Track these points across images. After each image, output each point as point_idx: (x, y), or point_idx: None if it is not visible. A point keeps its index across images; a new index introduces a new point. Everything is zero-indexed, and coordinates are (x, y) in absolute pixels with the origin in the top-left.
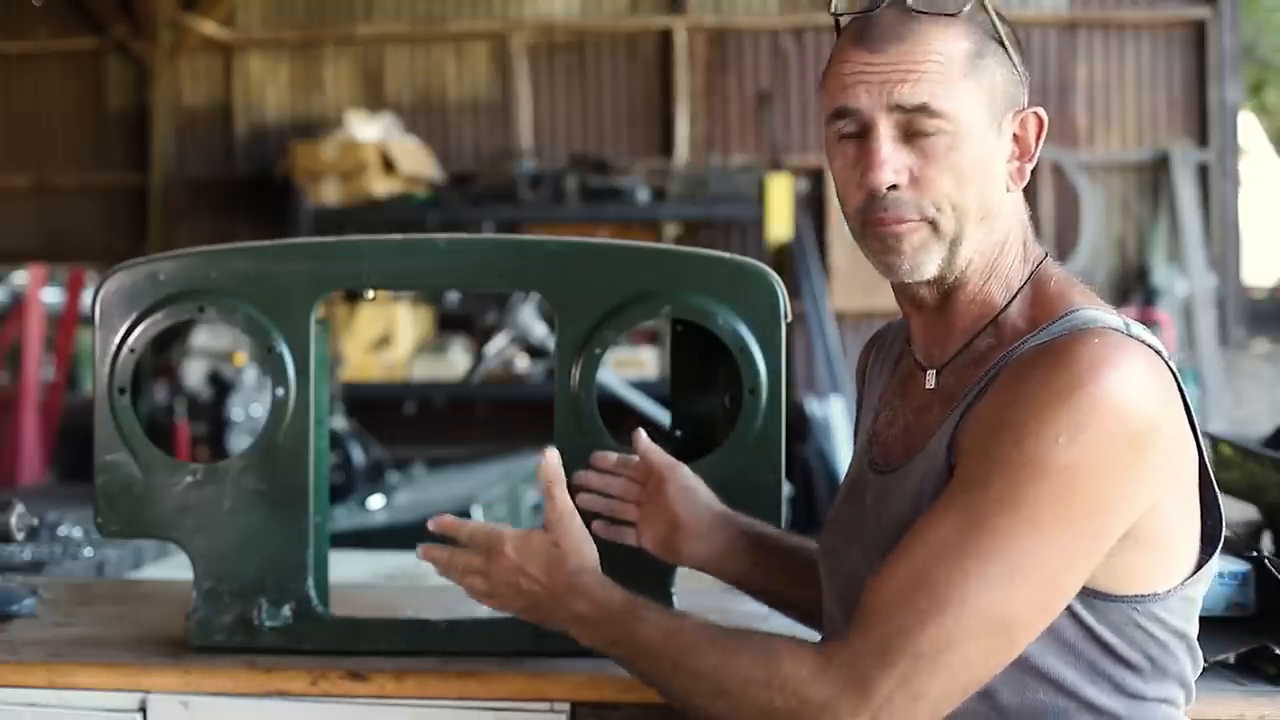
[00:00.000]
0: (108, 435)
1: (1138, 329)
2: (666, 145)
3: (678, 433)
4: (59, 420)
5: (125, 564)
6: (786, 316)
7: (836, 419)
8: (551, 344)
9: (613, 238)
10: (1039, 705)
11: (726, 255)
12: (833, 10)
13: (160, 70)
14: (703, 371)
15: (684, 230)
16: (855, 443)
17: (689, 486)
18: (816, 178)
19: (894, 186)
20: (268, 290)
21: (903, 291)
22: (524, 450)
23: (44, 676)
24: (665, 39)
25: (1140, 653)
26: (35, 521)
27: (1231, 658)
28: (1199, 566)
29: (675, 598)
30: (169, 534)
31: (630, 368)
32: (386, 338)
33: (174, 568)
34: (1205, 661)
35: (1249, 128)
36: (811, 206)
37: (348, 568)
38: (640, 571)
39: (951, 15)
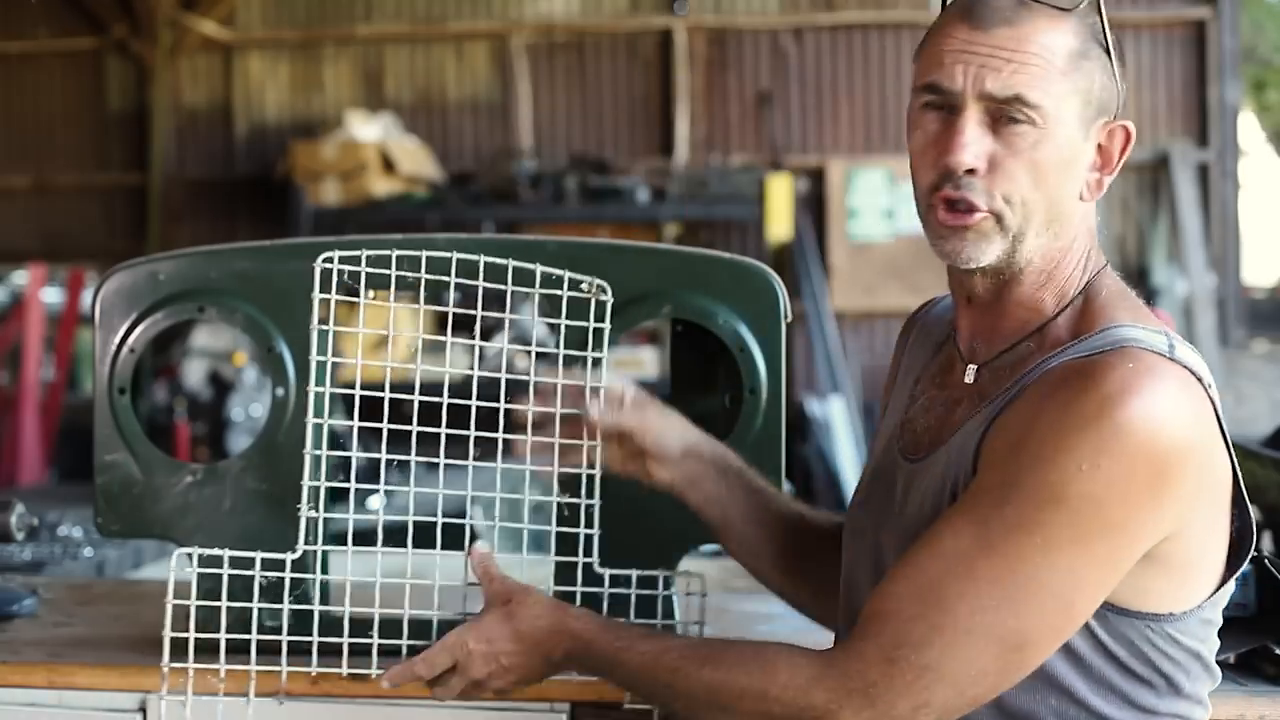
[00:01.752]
0: (108, 435)
1: (1182, 351)
2: (666, 145)
3: None
4: (59, 420)
5: (125, 564)
6: (786, 316)
7: (836, 419)
8: (551, 344)
9: (613, 238)
10: (1047, 710)
11: (726, 255)
12: None
13: (160, 70)
14: (703, 371)
15: (684, 230)
16: (884, 420)
17: (658, 422)
18: (816, 178)
19: (971, 171)
20: (268, 290)
21: (957, 280)
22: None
23: (44, 676)
24: (665, 39)
25: (1153, 670)
26: (35, 521)
27: (1231, 658)
28: (1221, 584)
29: (675, 595)
30: (169, 534)
31: (630, 368)
32: (386, 338)
33: None
34: None
35: (1249, 128)
36: (811, 206)
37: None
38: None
39: (1065, 10)
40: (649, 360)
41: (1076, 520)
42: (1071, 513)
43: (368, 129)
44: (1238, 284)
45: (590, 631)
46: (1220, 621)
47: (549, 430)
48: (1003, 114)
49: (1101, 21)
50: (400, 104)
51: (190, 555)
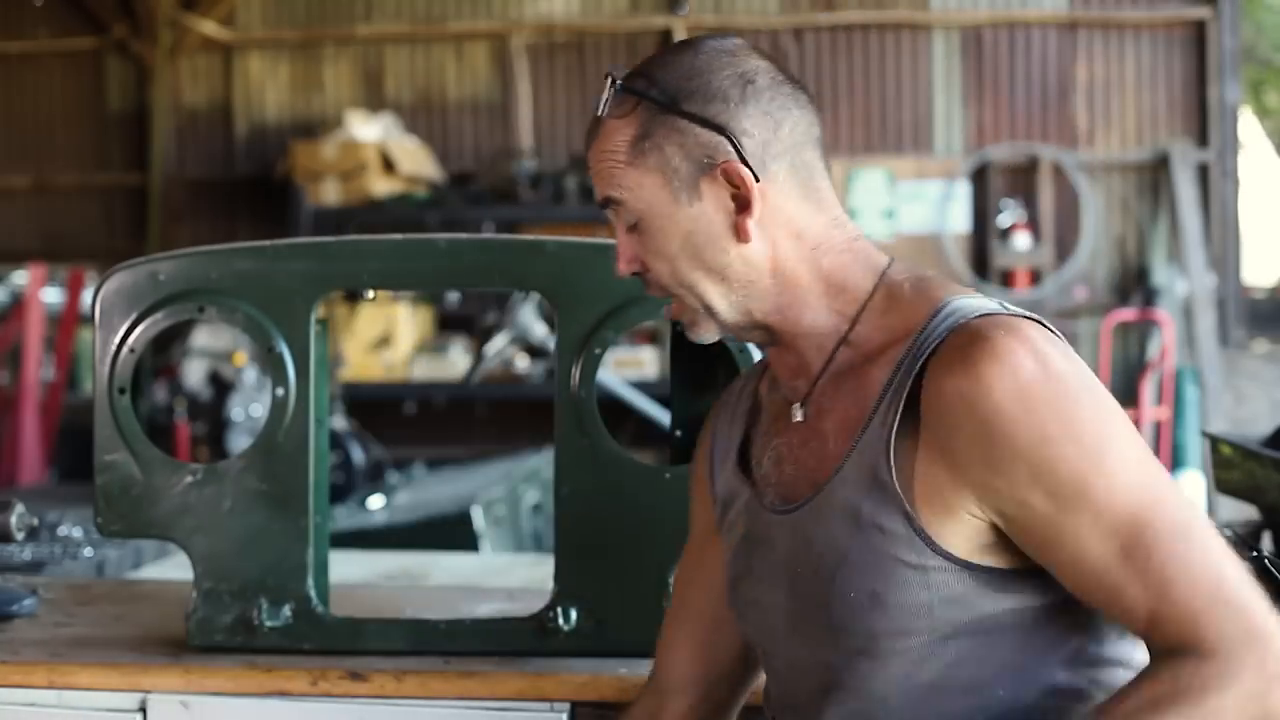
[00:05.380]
0: (108, 435)
1: (1011, 307)
2: None
3: (678, 433)
4: (59, 420)
5: (125, 564)
6: None
7: None
8: (551, 344)
9: (613, 238)
10: (1062, 668)
11: None
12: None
13: (160, 70)
14: (703, 371)
15: None
16: (711, 506)
17: None
18: None
19: (636, 273)
20: (268, 290)
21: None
22: (524, 450)
23: (44, 676)
24: (665, 39)
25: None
26: (35, 521)
27: None
28: None
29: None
30: (169, 534)
31: (630, 368)
32: (386, 338)
33: (174, 568)
34: None
35: (1249, 128)
36: None
37: (348, 568)
38: (636, 569)
39: (614, 115)
40: (649, 360)
41: (1139, 441)
42: (1133, 438)
43: (368, 129)
44: (1238, 284)
45: None
46: None
47: None
48: (619, 217)
49: (652, 93)
50: (400, 104)
51: (191, 555)
